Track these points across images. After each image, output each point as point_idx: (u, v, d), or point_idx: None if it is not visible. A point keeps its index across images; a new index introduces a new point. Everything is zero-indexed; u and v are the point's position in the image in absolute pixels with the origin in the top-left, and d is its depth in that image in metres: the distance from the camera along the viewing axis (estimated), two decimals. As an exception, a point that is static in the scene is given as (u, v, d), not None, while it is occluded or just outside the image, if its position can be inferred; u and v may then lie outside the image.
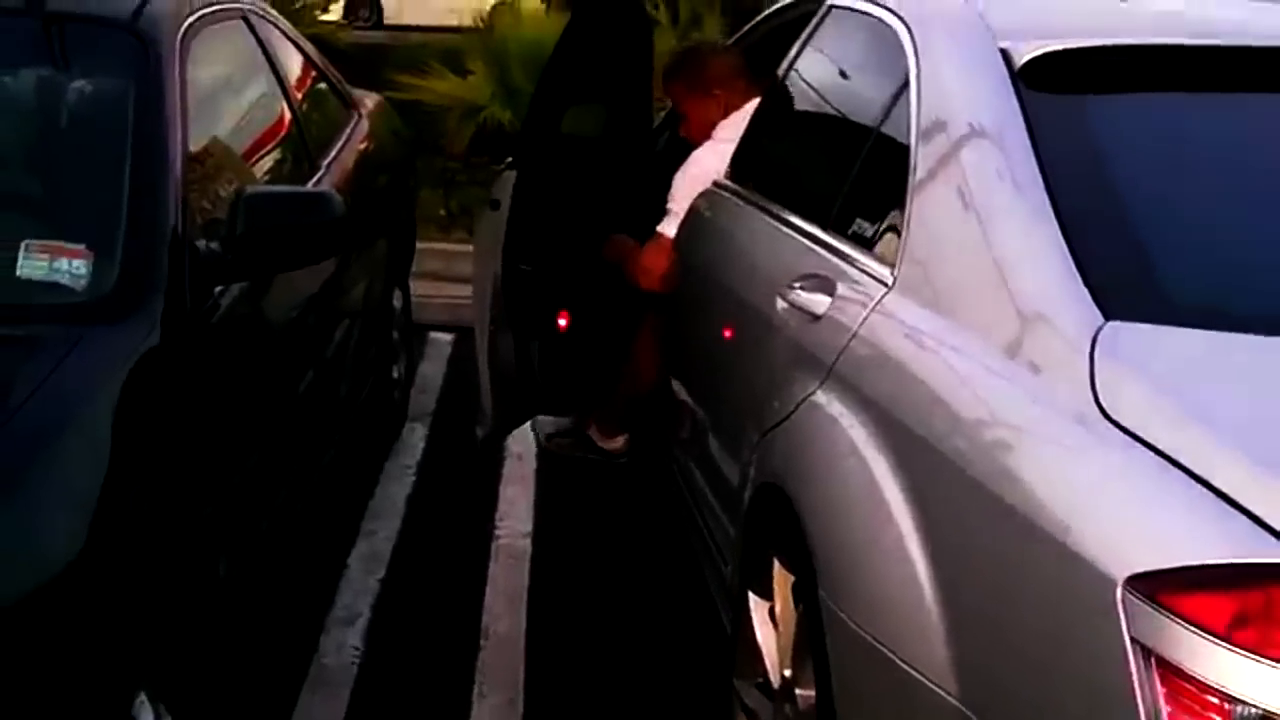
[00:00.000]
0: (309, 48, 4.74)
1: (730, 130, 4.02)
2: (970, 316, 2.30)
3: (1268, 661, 1.56)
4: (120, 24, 3.13)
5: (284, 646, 3.61)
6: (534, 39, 8.16)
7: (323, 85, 4.75)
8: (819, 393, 2.59)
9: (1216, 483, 1.69)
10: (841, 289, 2.69)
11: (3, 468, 2.18)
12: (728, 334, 3.34)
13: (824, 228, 2.94)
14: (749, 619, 2.85)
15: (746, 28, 4.66)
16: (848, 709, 2.28)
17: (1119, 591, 1.65)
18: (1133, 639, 1.63)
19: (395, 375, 5.19)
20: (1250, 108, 2.62)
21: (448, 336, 6.37)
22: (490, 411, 4.41)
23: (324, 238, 3.05)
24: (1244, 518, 1.64)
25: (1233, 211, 2.38)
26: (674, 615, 3.87)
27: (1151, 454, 1.78)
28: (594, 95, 4.42)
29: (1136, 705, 1.62)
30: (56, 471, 2.28)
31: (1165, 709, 1.60)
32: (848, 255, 2.76)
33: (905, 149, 2.68)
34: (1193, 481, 1.71)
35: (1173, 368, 1.97)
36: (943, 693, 2.01)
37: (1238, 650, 1.56)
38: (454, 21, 10.91)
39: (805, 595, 2.44)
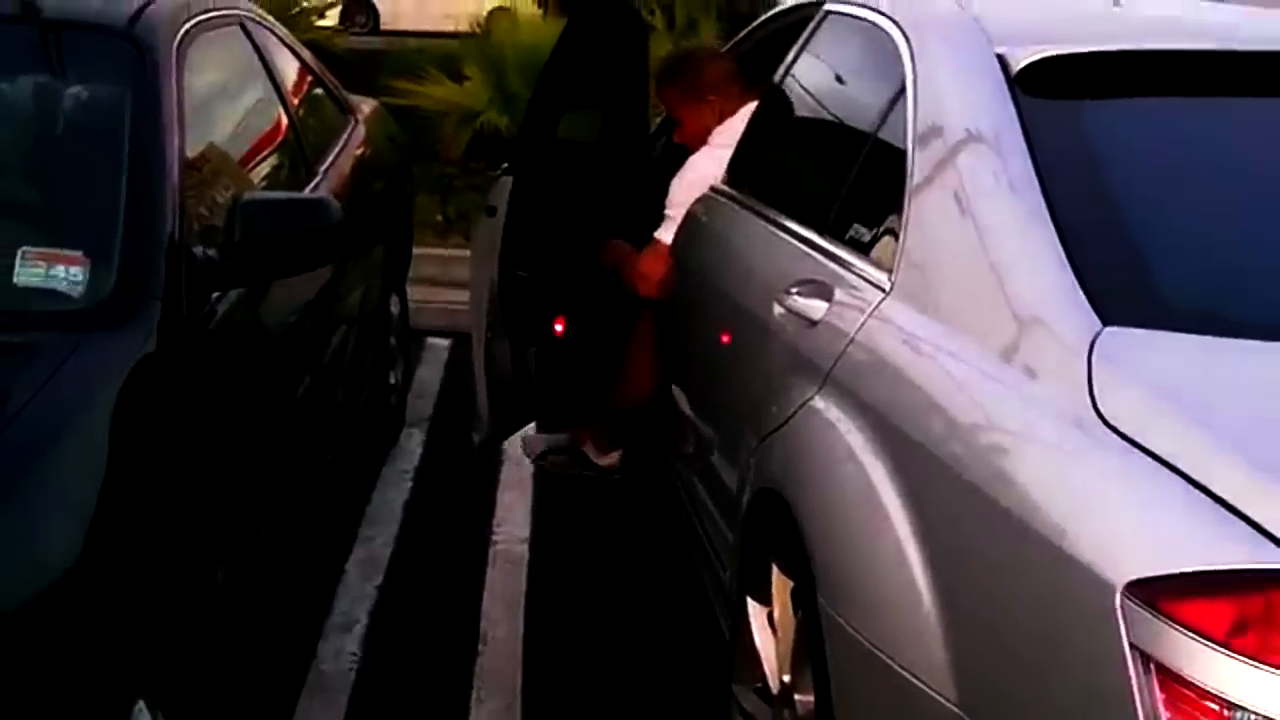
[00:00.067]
0: (305, 53, 4.74)
1: (727, 136, 4.02)
2: (968, 322, 2.30)
3: (1267, 668, 1.56)
4: (117, 31, 3.13)
5: (282, 653, 3.60)
6: (531, 45, 8.17)
7: (319, 91, 4.74)
8: (817, 398, 2.59)
9: (1215, 488, 1.69)
10: (839, 294, 2.69)
11: (1, 475, 2.18)
12: (725, 339, 3.34)
13: (821, 233, 2.95)
14: (747, 624, 2.84)
15: (743, 33, 4.66)
16: (846, 714, 2.28)
17: (1118, 597, 1.65)
18: (1132, 645, 1.63)
19: (392, 381, 5.19)
20: (1246, 112, 2.63)
21: (445, 342, 6.37)
22: (486, 417, 4.41)
23: (321, 244, 3.05)
24: (1243, 523, 1.64)
25: (1230, 216, 2.38)
26: (672, 620, 3.86)
27: (1150, 459, 1.78)
28: (590, 101, 4.42)
29: (1135, 711, 1.62)
30: (54, 479, 2.27)
31: (1164, 715, 1.60)
32: (845, 261, 2.76)
33: (902, 154, 2.68)
34: (1191, 487, 1.71)
35: (1170, 373, 1.97)
36: (941, 698, 2.01)
37: (1237, 656, 1.57)
38: (450, 27, 10.91)
39: (804, 600, 2.44)
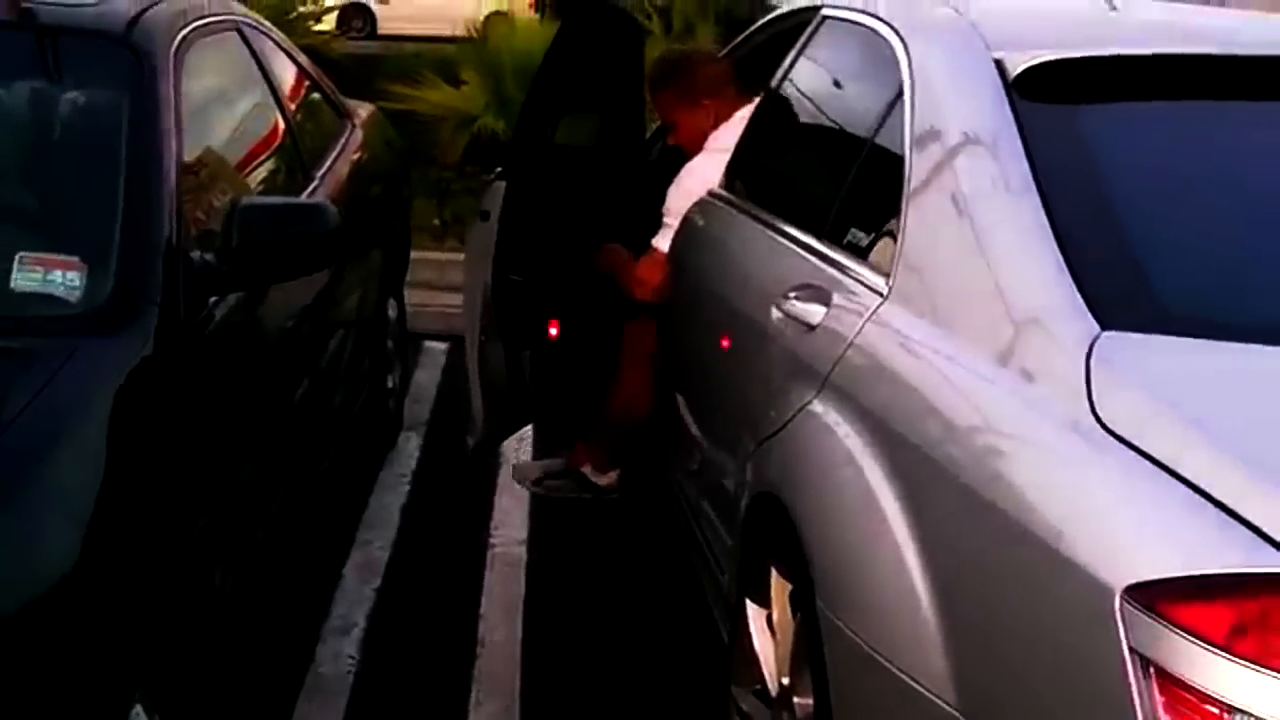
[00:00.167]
0: (303, 59, 4.74)
1: (723, 141, 4.02)
2: (966, 326, 2.30)
3: (1268, 672, 1.56)
4: (114, 37, 3.13)
5: (280, 656, 3.60)
6: (527, 49, 8.17)
7: (316, 96, 4.75)
8: (815, 402, 2.59)
9: (1214, 492, 1.69)
10: (837, 299, 2.69)
11: (-1, 480, 2.18)
12: (723, 344, 3.34)
13: (819, 238, 2.95)
14: (746, 627, 2.85)
15: (740, 38, 4.66)
16: (845, 717, 2.28)
17: (1117, 601, 1.65)
18: (1131, 649, 1.63)
19: (390, 384, 5.19)
20: (1243, 117, 2.63)
21: (442, 345, 6.37)
22: (480, 421, 4.41)
23: (319, 249, 3.05)
24: (1242, 527, 1.64)
25: (1228, 220, 2.39)
26: (671, 623, 3.87)
27: (1149, 463, 1.78)
28: (587, 105, 4.42)
29: (1136, 715, 1.62)
30: (52, 483, 2.27)
31: (1164, 719, 1.60)
32: (843, 265, 2.76)
33: (900, 159, 2.68)
34: (1191, 491, 1.71)
35: (1169, 377, 1.97)
36: (940, 701, 2.01)
37: (1237, 660, 1.57)
38: (447, 31, 10.92)
39: (803, 603, 2.44)
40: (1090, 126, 2.54)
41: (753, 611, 2.84)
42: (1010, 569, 1.92)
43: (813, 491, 2.53)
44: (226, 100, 3.84)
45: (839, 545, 2.37)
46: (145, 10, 3.24)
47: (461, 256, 5.26)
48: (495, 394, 4.34)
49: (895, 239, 2.58)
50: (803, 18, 3.80)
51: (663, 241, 4.03)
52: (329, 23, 11.50)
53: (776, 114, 3.79)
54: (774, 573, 2.68)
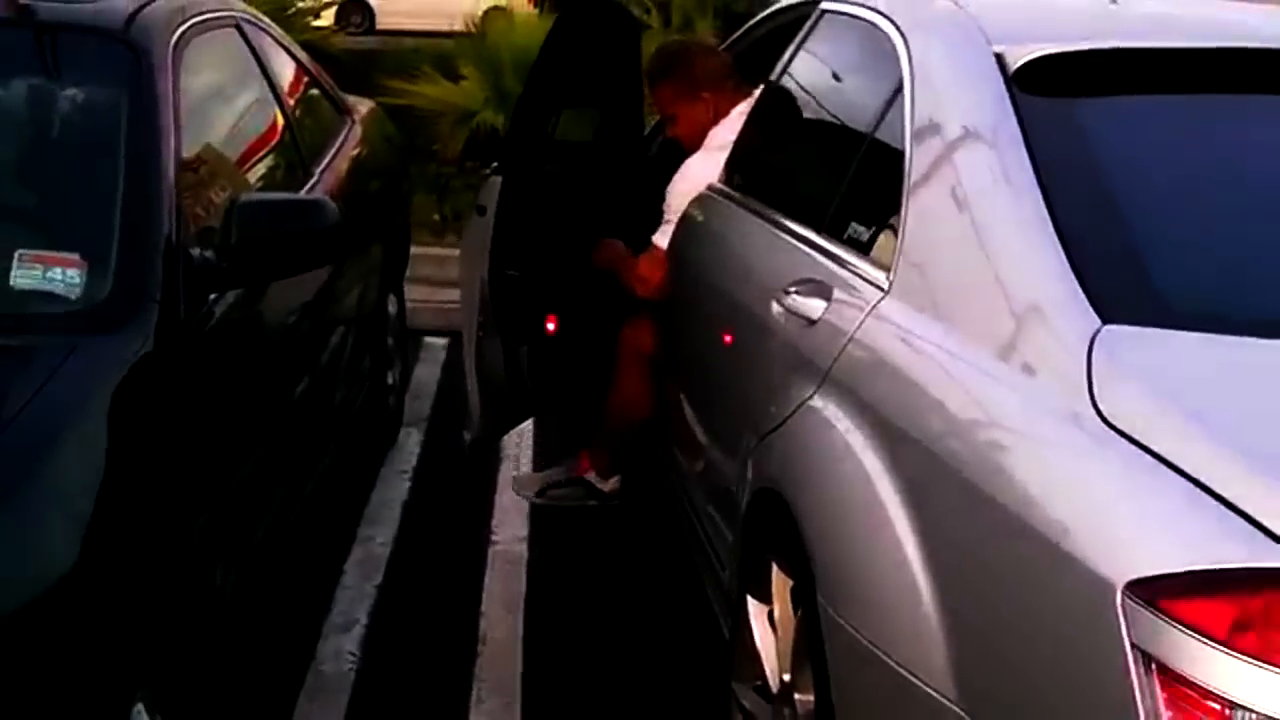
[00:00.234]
0: (301, 54, 4.73)
1: (722, 138, 4.01)
2: (967, 320, 2.30)
3: (1270, 667, 1.55)
4: (112, 33, 3.13)
5: (281, 654, 3.60)
6: (526, 44, 8.15)
7: (315, 92, 4.74)
8: (815, 397, 2.59)
9: (1216, 487, 1.68)
10: (837, 294, 2.69)
11: (-1, 478, 2.18)
12: (723, 339, 3.34)
13: (819, 232, 2.94)
14: (747, 622, 2.84)
15: (739, 32, 4.66)
16: (846, 712, 2.28)
17: (1119, 597, 1.65)
18: (1133, 644, 1.63)
19: (390, 381, 5.19)
20: (1245, 110, 2.63)
21: (442, 341, 6.36)
22: (478, 416, 4.40)
23: (318, 245, 3.05)
24: (1244, 522, 1.64)
25: (1229, 214, 2.38)
26: (672, 619, 3.86)
27: (1150, 457, 1.78)
28: (585, 100, 4.41)
29: (1137, 710, 1.62)
30: (52, 481, 2.27)
31: (1165, 714, 1.60)
32: (843, 260, 2.76)
33: (900, 154, 2.67)
34: (1192, 486, 1.71)
35: (1170, 371, 1.97)
36: (941, 697, 2.01)
37: (1239, 656, 1.56)
38: (445, 26, 10.91)
39: (803, 599, 2.44)
40: (1091, 120, 2.53)
41: (754, 607, 2.83)
42: (1011, 564, 1.92)
43: (813, 487, 2.53)
44: (225, 96, 3.84)
45: (840, 541, 2.37)
46: (144, 6, 3.24)
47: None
48: (493, 389, 4.33)
49: (896, 233, 2.58)
50: (802, 11, 3.79)
51: (663, 238, 4.02)
52: (327, 18, 11.46)
53: (776, 108, 3.78)
54: (775, 568, 2.68)
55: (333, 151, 4.45)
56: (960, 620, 2.02)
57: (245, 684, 3.25)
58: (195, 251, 2.87)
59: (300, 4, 9.67)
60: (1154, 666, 1.61)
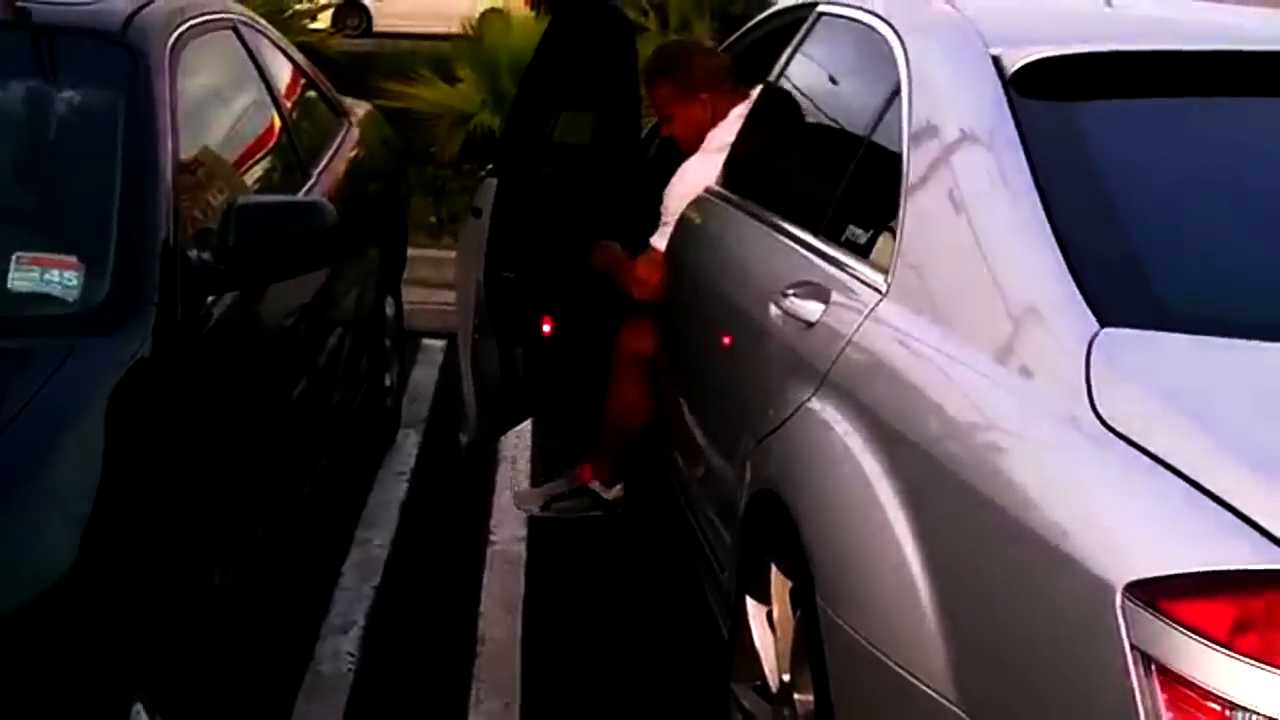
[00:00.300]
0: (299, 56, 4.74)
1: (719, 140, 4.01)
2: (965, 323, 2.30)
3: (1270, 669, 1.56)
4: (110, 35, 3.12)
5: (279, 655, 3.60)
6: (523, 46, 8.14)
7: (313, 94, 4.74)
8: (813, 399, 2.59)
9: (1215, 489, 1.68)
10: (835, 296, 2.69)
11: (-3, 480, 2.18)
12: (722, 342, 3.34)
13: (817, 235, 2.95)
14: (746, 623, 2.85)
15: (735, 35, 4.66)
16: (846, 713, 2.28)
17: (1118, 598, 1.65)
18: (1133, 646, 1.63)
19: (388, 383, 5.19)
20: (1242, 112, 2.63)
21: (439, 343, 6.36)
22: (474, 418, 4.40)
23: (316, 247, 3.05)
24: (1243, 524, 1.64)
25: (1227, 216, 2.39)
26: (671, 619, 3.87)
27: (1149, 459, 1.78)
28: (582, 102, 4.41)
29: (1137, 712, 1.62)
30: (51, 483, 2.27)
31: (1166, 716, 1.60)
32: (841, 262, 2.76)
33: (898, 156, 2.68)
34: (1191, 487, 1.71)
35: (1169, 373, 1.97)
36: (940, 698, 2.01)
37: (1239, 657, 1.56)
38: (442, 28, 10.92)
39: (802, 600, 2.44)
40: (1088, 123, 2.54)
41: (753, 608, 2.84)
42: (1010, 566, 1.92)
43: (812, 488, 2.53)
44: (223, 98, 3.84)
45: (838, 542, 2.37)
46: (141, 9, 3.24)
47: (459, 254, 5.24)
48: (489, 391, 4.33)
49: (894, 236, 2.58)
50: (799, 14, 3.79)
51: (660, 241, 4.02)
52: (325, 20, 11.47)
53: (773, 111, 3.78)
54: (774, 569, 2.69)
55: (330, 154, 4.45)
56: (959, 621, 2.02)
57: (244, 684, 3.25)
58: (193, 253, 2.87)
59: (297, 6, 9.66)
60: (1154, 668, 1.61)
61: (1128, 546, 1.73)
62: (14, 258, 2.70)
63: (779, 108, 3.76)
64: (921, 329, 2.38)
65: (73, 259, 2.73)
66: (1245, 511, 1.65)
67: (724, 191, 3.77)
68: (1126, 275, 2.17)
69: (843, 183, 2.98)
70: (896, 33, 2.96)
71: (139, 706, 2.33)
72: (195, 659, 2.69)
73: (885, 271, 2.55)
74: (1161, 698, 1.60)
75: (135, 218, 2.81)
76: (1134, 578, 1.65)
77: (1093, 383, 1.93)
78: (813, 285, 2.79)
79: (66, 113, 3.17)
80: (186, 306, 2.80)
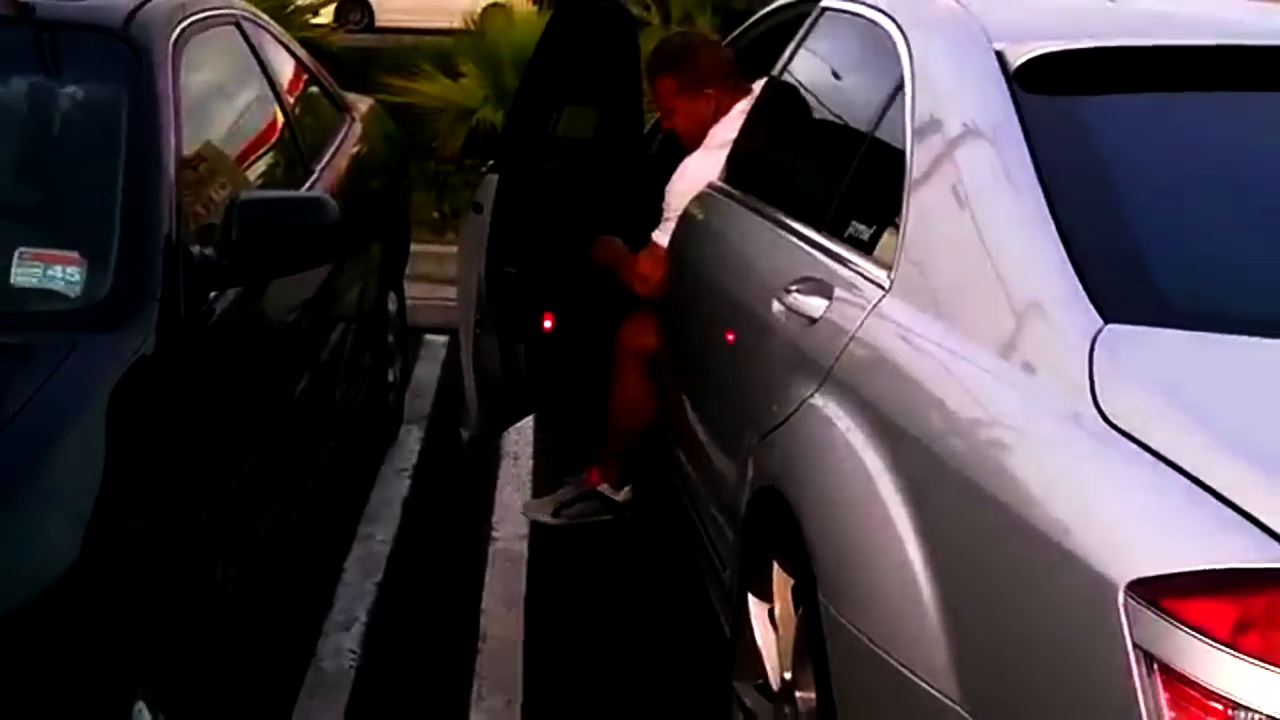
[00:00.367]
0: (301, 52, 4.73)
1: (722, 136, 4.00)
2: (968, 319, 2.30)
3: (1273, 668, 1.55)
4: (112, 31, 3.13)
5: (281, 651, 3.60)
6: (525, 41, 8.12)
7: (315, 89, 4.74)
8: (816, 396, 2.58)
9: (1218, 486, 1.68)
10: (838, 292, 2.69)
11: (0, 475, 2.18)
12: (724, 338, 3.34)
13: (820, 231, 2.94)
14: (748, 621, 2.84)
15: (739, 30, 4.65)
16: (848, 711, 2.28)
17: (1121, 596, 1.65)
18: (1135, 644, 1.62)
19: (390, 378, 5.19)
20: (1246, 107, 2.63)
21: (442, 339, 6.36)
22: (475, 414, 4.40)
23: (319, 242, 3.05)
24: (1246, 522, 1.63)
25: (1231, 213, 2.38)
26: (672, 617, 3.86)
27: (1152, 457, 1.77)
28: (585, 97, 4.40)
29: (1139, 711, 1.61)
30: (53, 479, 2.27)
31: (1168, 715, 1.59)
32: (844, 258, 2.76)
33: (901, 152, 2.67)
34: (1194, 485, 1.70)
35: (1172, 370, 1.97)
36: (942, 696, 2.01)
37: (1242, 656, 1.56)
38: (445, 24, 10.91)
39: (804, 597, 2.44)
40: (1092, 118, 2.53)
41: (754, 605, 2.83)
42: (1012, 563, 1.92)
43: (814, 485, 2.53)
44: (225, 94, 3.84)
45: (841, 539, 2.37)
46: (143, 4, 3.24)
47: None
48: (490, 387, 4.33)
49: (897, 232, 2.58)
50: (802, 9, 3.78)
51: (663, 236, 4.01)
52: (327, 15, 11.42)
53: (777, 106, 3.78)
54: (776, 567, 2.68)
55: (332, 149, 4.45)
56: (961, 619, 2.02)
57: (246, 681, 3.25)
58: (195, 249, 2.87)
59: (299, 1, 9.65)
60: (1156, 666, 1.61)
61: (1130, 544, 1.72)
62: (16, 253, 2.71)
63: (782, 103, 3.76)
64: (924, 325, 2.38)
65: (75, 255, 2.73)
66: (1248, 509, 1.64)
67: (727, 187, 3.77)
68: (1130, 271, 2.17)
69: (846, 178, 2.97)
70: (900, 28, 2.95)
71: (141, 704, 2.34)
72: (197, 656, 2.69)
73: (888, 267, 2.55)
74: (1164, 696, 1.60)
75: (138, 213, 2.81)
76: (1136, 576, 1.64)
77: (1096, 379, 1.93)
78: (816, 281, 2.79)
79: (69, 108, 3.17)
80: (189, 302, 2.80)
